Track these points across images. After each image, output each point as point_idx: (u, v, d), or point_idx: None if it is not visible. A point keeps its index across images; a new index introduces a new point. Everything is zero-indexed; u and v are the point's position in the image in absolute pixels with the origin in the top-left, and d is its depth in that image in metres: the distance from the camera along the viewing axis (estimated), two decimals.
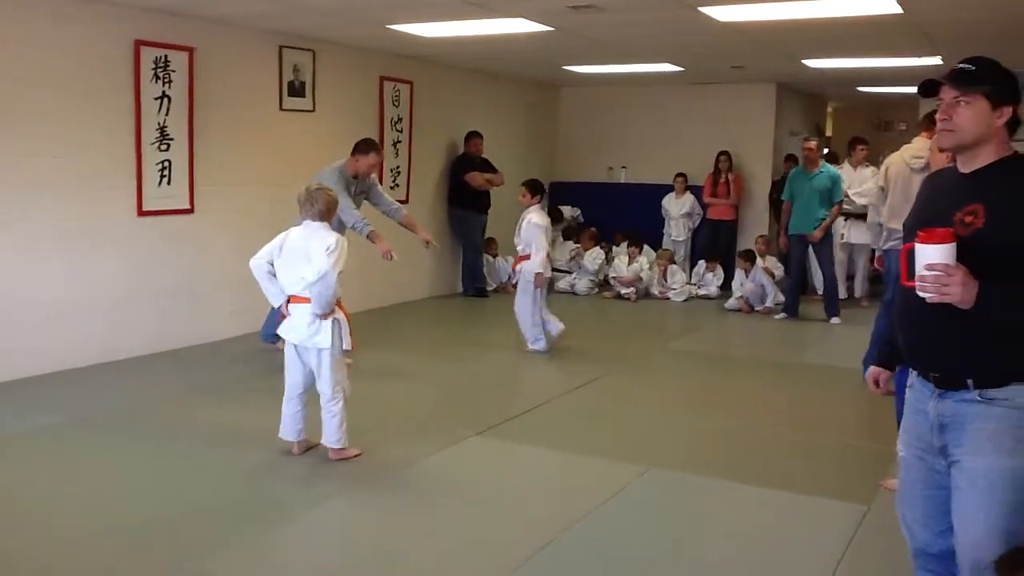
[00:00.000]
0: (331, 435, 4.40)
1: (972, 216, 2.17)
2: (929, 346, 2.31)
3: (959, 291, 2.08)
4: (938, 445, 2.29)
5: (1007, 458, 2.16)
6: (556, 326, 6.97)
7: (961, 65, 2.27)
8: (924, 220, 2.27)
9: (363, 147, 6.38)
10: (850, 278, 9.76)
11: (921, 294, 2.15)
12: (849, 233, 9.38)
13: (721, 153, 10.31)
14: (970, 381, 2.20)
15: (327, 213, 4.44)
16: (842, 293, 9.29)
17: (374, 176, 6.57)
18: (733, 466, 4.49)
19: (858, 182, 9.21)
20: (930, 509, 2.36)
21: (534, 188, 6.95)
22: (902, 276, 2.27)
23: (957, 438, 2.23)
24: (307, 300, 4.30)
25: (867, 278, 9.63)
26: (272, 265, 4.39)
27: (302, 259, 4.29)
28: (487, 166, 9.63)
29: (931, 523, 2.37)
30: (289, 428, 4.48)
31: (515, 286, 7.10)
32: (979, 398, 2.19)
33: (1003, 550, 2.14)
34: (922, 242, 2.12)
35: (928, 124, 5.50)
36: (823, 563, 3.40)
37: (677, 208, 10.68)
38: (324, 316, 4.31)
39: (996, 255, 2.12)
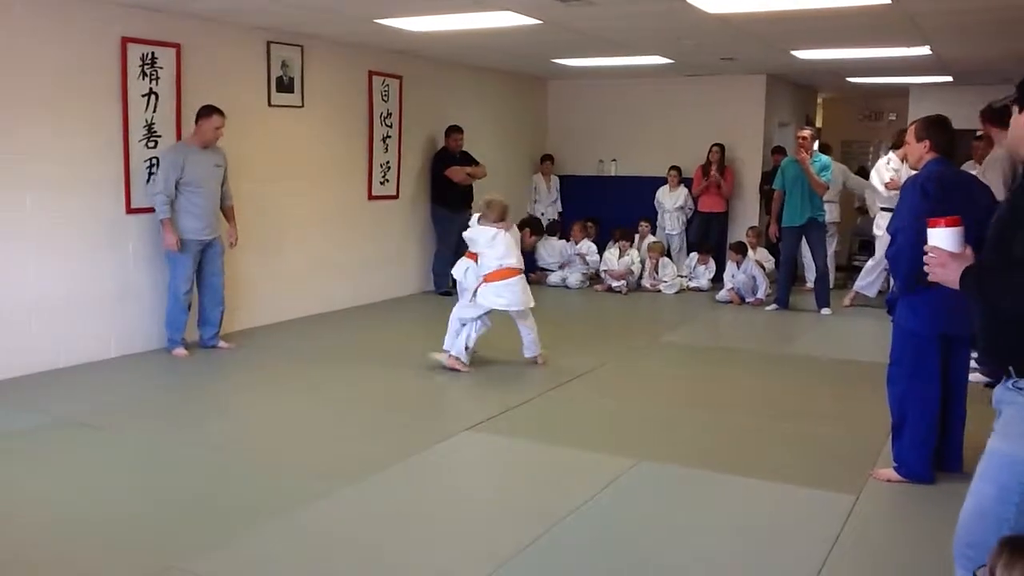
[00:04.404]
0: (533, 347, 6.27)
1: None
2: (978, 331, 2.33)
3: (941, 272, 2.20)
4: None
5: (1005, 443, 2.16)
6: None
7: None
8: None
9: (202, 113, 6.33)
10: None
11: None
12: None
13: (714, 145, 10.30)
14: (1011, 368, 2.19)
15: (503, 216, 6.03)
16: (872, 292, 8.80)
17: (226, 157, 6.53)
18: (724, 457, 4.50)
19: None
20: None
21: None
22: None
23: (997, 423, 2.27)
24: (511, 274, 5.94)
25: None
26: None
27: (503, 249, 5.94)
28: (467, 160, 9.45)
29: None
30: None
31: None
32: (1012, 387, 2.18)
33: (986, 533, 2.11)
34: (930, 227, 2.29)
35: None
36: (814, 552, 3.41)
37: (671, 201, 10.67)
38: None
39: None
